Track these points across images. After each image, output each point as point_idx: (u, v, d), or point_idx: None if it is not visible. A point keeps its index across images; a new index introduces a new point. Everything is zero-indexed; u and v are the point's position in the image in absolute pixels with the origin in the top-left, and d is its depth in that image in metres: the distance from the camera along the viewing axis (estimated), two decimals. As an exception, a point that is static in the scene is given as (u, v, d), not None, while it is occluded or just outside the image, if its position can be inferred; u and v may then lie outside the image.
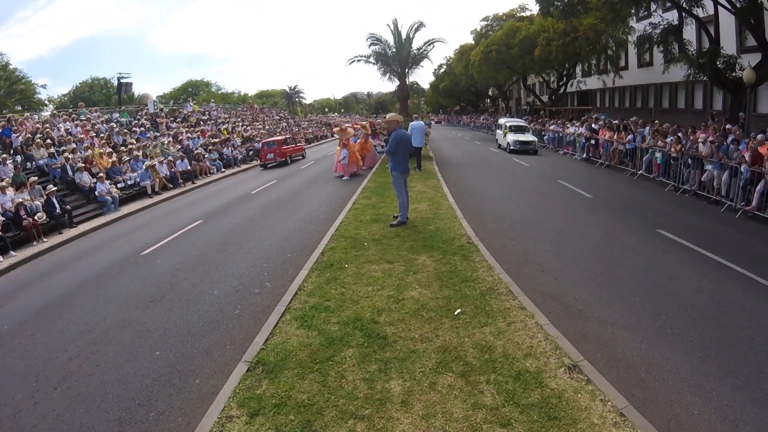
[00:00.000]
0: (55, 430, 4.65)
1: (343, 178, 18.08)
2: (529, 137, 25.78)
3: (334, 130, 21.34)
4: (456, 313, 5.81)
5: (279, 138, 28.58)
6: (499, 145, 28.44)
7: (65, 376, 5.65)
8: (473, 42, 48.50)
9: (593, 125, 22.52)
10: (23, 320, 7.83)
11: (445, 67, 67.34)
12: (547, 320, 5.65)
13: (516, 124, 28.01)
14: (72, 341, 6.57)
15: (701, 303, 6.44)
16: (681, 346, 5.33)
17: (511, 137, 25.58)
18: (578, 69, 38.42)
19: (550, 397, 4.19)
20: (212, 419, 4.20)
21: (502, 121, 30.36)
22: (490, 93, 69.74)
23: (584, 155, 22.04)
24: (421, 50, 31.85)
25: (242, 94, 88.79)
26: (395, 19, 32.77)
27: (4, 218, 13.45)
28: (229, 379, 4.82)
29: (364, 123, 25.57)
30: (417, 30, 30.98)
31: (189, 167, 22.70)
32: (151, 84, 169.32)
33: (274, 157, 26.29)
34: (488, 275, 7.05)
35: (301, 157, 29.40)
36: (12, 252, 12.79)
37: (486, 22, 47.61)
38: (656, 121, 18.80)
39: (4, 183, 14.86)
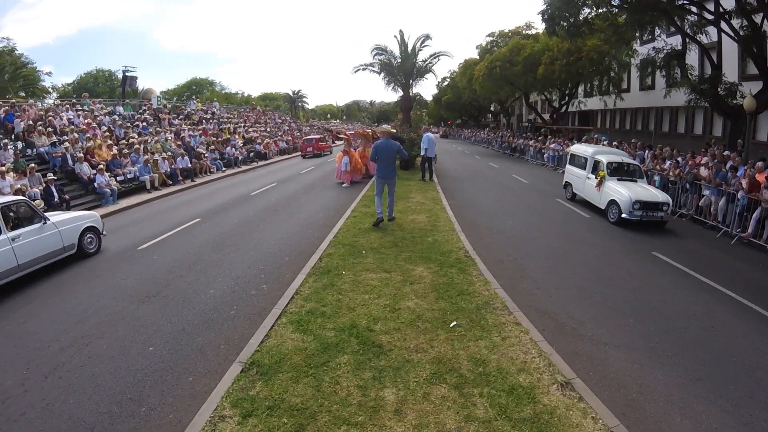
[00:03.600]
0: (43, 419, 4.63)
1: (343, 185, 18.12)
2: (656, 193, 12.64)
3: (348, 134, 21.25)
4: (452, 325, 5.83)
5: (317, 136, 38.57)
6: (574, 195, 15.79)
7: (56, 365, 5.63)
8: (478, 57, 48.84)
9: (593, 146, 22.58)
10: (12, 307, 7.80)
11: (448, 80, 67.61)
12: (542, 337, 5.67)
13: (618, 159, 14.01)
14: (64, 332, 6.54)
15: (694, 326, 6.49)
16: (672, 368, 5.36)
17: (622, 191, 12.54)
18: (580, 89, 38.66)
19: (542, 412, 4.22)
20: (204, 418, 4.21)
21: (585, 150, 15.73)
22: (491, 108, 69.97)
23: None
24: (426, 63, 32.04)
25: (245, 95, 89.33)
26: (401, 31, 33.00)
27: (1, 203, 13.31)
28: (223, 378, 4.83)
29: (367, 131, 25.65)
30: (423, 43, 31.21)
31: (189, 165, 22.68)
32: (154, 79, 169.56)
33: (312, 150, 35.07)
34: (484, 289, 7.08)
35: (329, 153, 36.79)
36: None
37: (491, 38, 48.14)
38: (659, 145, 18.92)
39: (4, 168, 14.77)
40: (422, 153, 18.80)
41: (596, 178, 13.86)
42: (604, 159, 13.90)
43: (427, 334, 5.61)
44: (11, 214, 8.73)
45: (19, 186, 14.21)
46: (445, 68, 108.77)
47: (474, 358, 5.10)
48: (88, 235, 10.27)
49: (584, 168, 14.92)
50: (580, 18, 21.14)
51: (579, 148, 16.57)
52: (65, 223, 9.76)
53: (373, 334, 5.59)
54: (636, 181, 13.43)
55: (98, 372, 5.39)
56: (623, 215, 12.21)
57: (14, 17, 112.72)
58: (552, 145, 28.57)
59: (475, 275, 7.69)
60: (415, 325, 5.82)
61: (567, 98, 39.35)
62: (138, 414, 4.58)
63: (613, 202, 12.78)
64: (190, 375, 5.20)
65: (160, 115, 30.04)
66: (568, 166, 16.82)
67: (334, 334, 5.61)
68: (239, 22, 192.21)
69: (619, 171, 13.67)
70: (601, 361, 5.52)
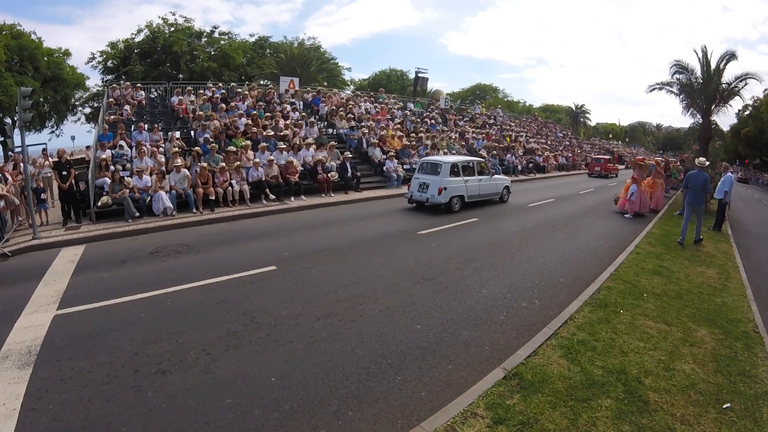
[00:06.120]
0: (306, 352, 5.50)
1: (626, 216, 16.93)
2: None
3: (635, 160, 19.96)
4: (724, 406, 5.11)
5: (606, 157, 39.35)
6: None
7: (329, 313, 6.64)
8: (790, 82, 39.98)
9: None
10: (302, 254, 9.55)
11: (750, 108, 56.82)
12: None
13: None
14: (342, 287, 7.69)
15: None
16: None
17: None
18: None
19: None
20: (458, 408, 4.45)
21: None
22: (802, 151, 56.66)
23: None
24: (731, 86, 28.44)
25: (527, 104, 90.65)
26: (704, 46, 29.38)
27: (303, 168, 17.05)
28: (484, 379, 5.02)
29: (658, 159, 23.85)
30: (728, 62, 27.89)
31: (471, 165, 24.14)
32: (438, 81, 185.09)
33: (599, 171, 35.63)
34: (768, 377, 5.95)
35: (615, 176, 36.17)
36: (303, 197, 16.12)
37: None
38: None
39: (309, 140, 18.40)
40: (719, 197, 16.07)
41: None
42: None
43: (697, 407, 5.00)
44: (476, 166, 16.58)
45: (320, 157, 17.47)
46: (746, 94, 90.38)
47: (737, 453, 4.37)
48: (505, 192, 18.22)
49: None
50: None
51: None
52: (499, 179, 18.15)
53: (641, 387, 5.21)
54: None
55: (366, 330, 6.14)
56: None
57: (317, 21, 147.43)
58: None
59: (761, 356, 6.52)
60: (687, 393, 5.23)
61: None
62: (393, 380, 5.04)
63: None
64: (450, 363, 5.48)
65: (446, 115, 32.59)
66: None
67: (601, 373, 5.37)
68: (524, 33, 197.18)
69: None
70: None
